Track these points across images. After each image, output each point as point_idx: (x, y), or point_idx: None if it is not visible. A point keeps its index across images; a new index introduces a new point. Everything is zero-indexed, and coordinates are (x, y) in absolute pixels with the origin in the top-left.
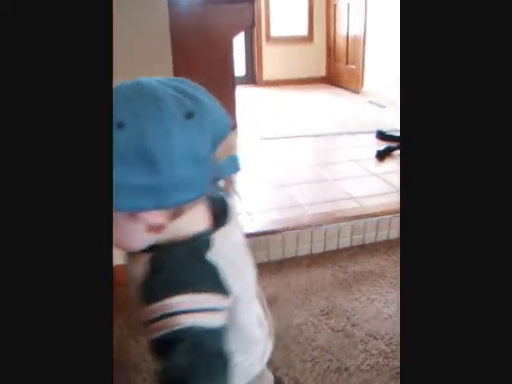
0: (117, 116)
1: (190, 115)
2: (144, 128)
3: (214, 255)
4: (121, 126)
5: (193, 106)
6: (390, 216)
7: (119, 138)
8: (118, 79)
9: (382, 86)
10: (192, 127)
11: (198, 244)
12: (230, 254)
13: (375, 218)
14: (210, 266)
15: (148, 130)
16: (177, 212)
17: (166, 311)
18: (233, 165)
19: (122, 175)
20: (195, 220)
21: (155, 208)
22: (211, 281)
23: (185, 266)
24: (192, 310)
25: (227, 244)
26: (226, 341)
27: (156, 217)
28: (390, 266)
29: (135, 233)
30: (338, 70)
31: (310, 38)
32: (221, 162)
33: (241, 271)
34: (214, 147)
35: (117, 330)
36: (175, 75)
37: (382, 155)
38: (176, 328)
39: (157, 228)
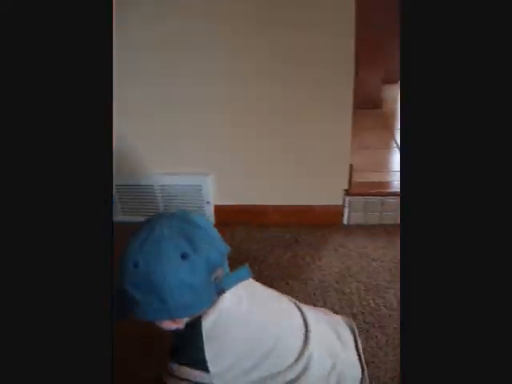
0: (133, 257)
1: (184, 256)
2: (150, 268)
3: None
4: (136, 265)
5: (187, 249)
6: None
7: (135, 274)
8: None
9: None
10: (186, 267)
11: None
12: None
13: None
14: None
15: (152, 270)
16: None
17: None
18: (236, 277)
19: (143, 299)
20: None
21: (169, 319)
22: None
23: None
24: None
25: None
26: None
27: (170, 324)
28: None
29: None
30: None
31: None
32: (226, 278)
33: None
34: (211, 273)
35: None
36: None
37: None
38: None
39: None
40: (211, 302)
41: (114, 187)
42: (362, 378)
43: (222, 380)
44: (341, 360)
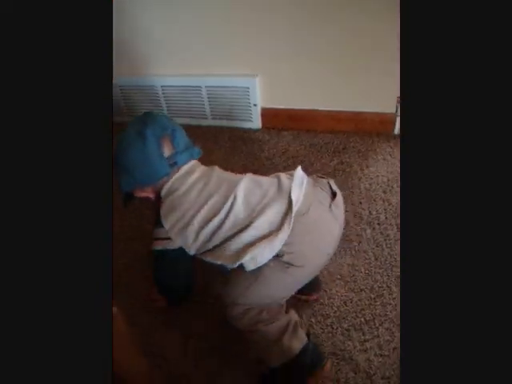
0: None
1: (139, 134)
2: (118, 153)
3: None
4: (114, 156)
5: (141, 128)
6: None
7: (114, 162)
8: None
9: None
10: (139, 144)
11: None
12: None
13: None
14: None
15: (119, 155)
16: (153, 189)
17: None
18: (187, 154)
19: (120, 177)
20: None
21: (139, 188)
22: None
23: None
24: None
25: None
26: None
27: (142, 193)
28: None
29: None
30: None
31: None
32: (178, 154)
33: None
34: (160, 147)
35: None
36: None
37: None
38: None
39: (146, 198)
40: (166, 173)
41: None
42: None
43: (178, 236)
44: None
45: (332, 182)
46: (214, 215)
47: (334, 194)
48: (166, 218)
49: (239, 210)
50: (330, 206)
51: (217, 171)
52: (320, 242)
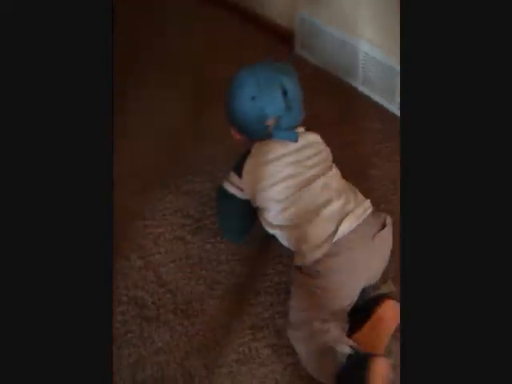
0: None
1: (252, 99)
2: (230, 98)
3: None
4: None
5: (257, 93)
6: None
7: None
8: None
9: None
10: (249, 104)
11: None
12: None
13: None
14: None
15: (231, 101)
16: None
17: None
18: (284, 133)
19: (227, 113)
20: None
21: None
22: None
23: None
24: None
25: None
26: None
27: (236, 134)
28: None
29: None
30: None
31: None
32: (276, 129)
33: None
34: (263, 118)
35: None
36: None
37: None
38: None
39: (238, 140)
40: (259, 136)
41: None
42: None
43: (250, 193)
44: None
45: (388, 218)
46: (286, 196)
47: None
48: (246, 173)
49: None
50: (374, 237)
51: (307, 152)
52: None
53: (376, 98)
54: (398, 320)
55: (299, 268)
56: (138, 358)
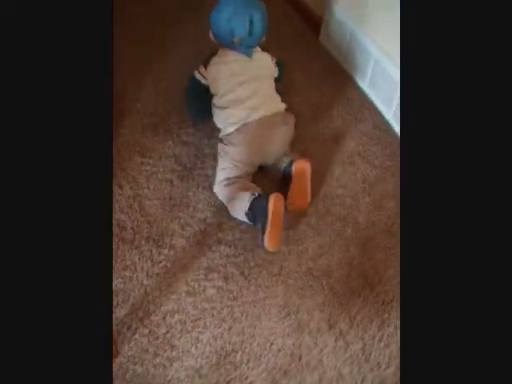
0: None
1: (227, 20)
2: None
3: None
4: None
5: (231, 17)
6: None
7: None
8: None
9: None
10: (226, 24)
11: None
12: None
13: None
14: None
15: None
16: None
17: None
18: (242, 49)
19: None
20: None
21: (212, 34)
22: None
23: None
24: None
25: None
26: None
27: (212, 37)
28: None
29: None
30: None
31: None
32: (237, 44)
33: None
34: (231, 34)
35: None
36: None
37: None
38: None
39: (212, 41)
40: (226, 44)
41: None
42: None
43: (210, 82)
44: None
45: (292, 118)
46: (231, 93)
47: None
48: (209, 67)
49: (245, 96)
50: (276, 128)
51: (253, 65)
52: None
53: (377, 103)
54: (309, 168)
55: (221, 139)
56: None
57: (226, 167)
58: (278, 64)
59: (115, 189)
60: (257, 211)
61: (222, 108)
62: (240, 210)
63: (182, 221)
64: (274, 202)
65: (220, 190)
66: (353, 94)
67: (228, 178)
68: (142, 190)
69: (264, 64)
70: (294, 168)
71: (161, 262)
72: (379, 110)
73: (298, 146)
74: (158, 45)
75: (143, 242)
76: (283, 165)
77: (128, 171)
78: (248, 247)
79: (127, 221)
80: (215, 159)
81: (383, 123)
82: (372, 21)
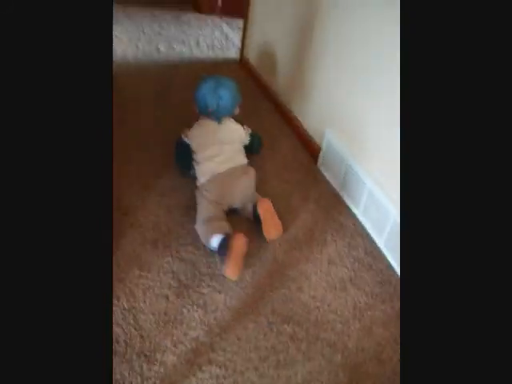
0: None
1: (203, 95)
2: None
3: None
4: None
5: (206, 93)
6: None
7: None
8: None
9: None
10: (202, 99)
11: None
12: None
13: None
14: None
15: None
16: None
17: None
18: (216, 116)
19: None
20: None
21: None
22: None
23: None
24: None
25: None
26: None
27: (194, 108)
28: None
29: None
30: None
31: None
32: (213, 115)
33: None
34: (207, 106)
35: None
36: None
37: None
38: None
39: (195, 112)
40: (204, 114)
41: None
42: None
43: (191, 142)
44: None
45: (252, 171)
46: (205, 151)
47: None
48: (192, 131)
49: (214, 153)
50: (239, 177)
51: (223, 130)
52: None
53: (370, 231)
54: (271, 205)
55: (198, 187)
56: None
57: (203, 208)
58: (254, 135)
59: (112, 300)
60: (222, 247)
61: (198, 163)
62: (210, 245)
63: (174, 338)
64: (235, 240)
65: (199, 227)
66: (347, 220)
67: (206, 217)
68: (137, 304)
69: (232, 130)
70: (259, 208)
71: (150, 378)
72: (371, 238)
73: (292, 266)
74: (163, 162)
75: (134, 357)
76: (250, 209)
77: (126, 283)
78: (238, 369)
79: (121, 333)
80: (212, 279)
81: (375, 250)
82: (367, 152)
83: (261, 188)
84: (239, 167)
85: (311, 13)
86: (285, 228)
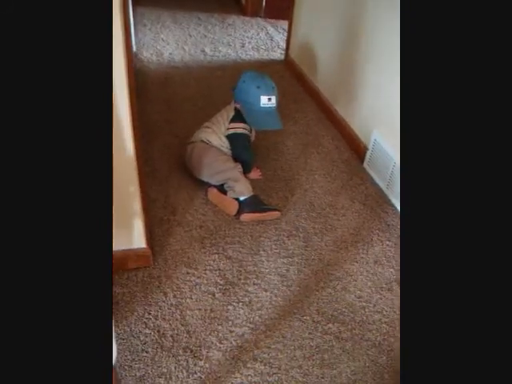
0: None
1: (258, 88)
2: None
3: None
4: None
5: (260, 84)
6: None
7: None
8: None
9: None
10: (256, 91)
11: None
12: None
13: None
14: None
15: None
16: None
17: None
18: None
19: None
20: None
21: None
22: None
23: None
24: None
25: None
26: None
27: (237, 105)
28: None
29: None
30: None
31: None
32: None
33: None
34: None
35: None
36: None
37: None
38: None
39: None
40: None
41: None
42: None
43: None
44: None
45: None
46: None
47: None
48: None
49: None
50: None
51: None
52: None
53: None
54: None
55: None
56: (143, 376)
57: None
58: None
59: (159, 295)
60: None
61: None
62: None
63: (220, 334)
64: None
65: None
66: (394, 220)
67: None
68: (184, 300)
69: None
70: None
71: (196, 373)
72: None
73: (338, 266)
74: None
75: (181, 352)
76: None
77: (173, 279)
78: (283, 367)
79: (168, 328)
80: (258, 277)
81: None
82: None
83: (307, 187)
84: None
85: (359, 13)
86: (331, 228)
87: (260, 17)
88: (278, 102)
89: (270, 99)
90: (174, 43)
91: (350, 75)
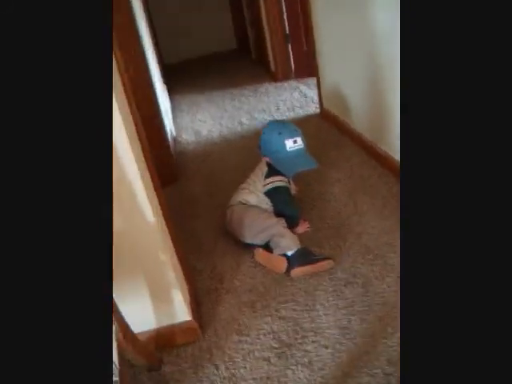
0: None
1: (280, 134)
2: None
3: None
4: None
5: (281, 130)
6: None
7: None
8: None
9: None
10: (278, 138)
11: None
12: None
13: None
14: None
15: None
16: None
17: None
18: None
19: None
20: None
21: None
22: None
23: None
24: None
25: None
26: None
27: (265, 158)
28: None
29: None
30: None
31: None
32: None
33: None
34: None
35: None
36: None
37: None
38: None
39: (265, 160)
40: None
41: None
42: None
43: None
44: None
45: None
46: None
47: None
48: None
49: None
50: None
51: None
52: None
53: None
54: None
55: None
56: None
57: None
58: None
59: (211, 369)
60: None
61: None
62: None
63: None
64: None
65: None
66: None
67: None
68: (238, 370)
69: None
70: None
71: None
72: None
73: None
74: None
75: None
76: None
77: (225, 350)
78: None
79: None
80: (316, 333)
81: None
82: None
83: (360, 230)
84: None
85: (377, 52)
86: (391, 267)
87: (291, 79)
88: (306, 144)
89: (295, 141)
90: (210, 120)
91: (382, 108)
